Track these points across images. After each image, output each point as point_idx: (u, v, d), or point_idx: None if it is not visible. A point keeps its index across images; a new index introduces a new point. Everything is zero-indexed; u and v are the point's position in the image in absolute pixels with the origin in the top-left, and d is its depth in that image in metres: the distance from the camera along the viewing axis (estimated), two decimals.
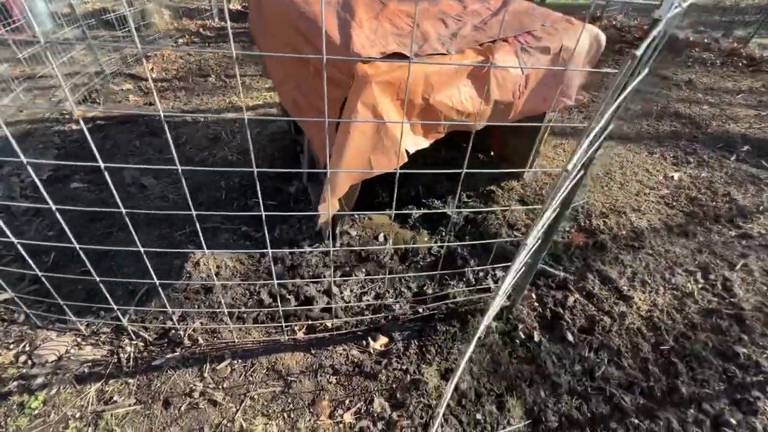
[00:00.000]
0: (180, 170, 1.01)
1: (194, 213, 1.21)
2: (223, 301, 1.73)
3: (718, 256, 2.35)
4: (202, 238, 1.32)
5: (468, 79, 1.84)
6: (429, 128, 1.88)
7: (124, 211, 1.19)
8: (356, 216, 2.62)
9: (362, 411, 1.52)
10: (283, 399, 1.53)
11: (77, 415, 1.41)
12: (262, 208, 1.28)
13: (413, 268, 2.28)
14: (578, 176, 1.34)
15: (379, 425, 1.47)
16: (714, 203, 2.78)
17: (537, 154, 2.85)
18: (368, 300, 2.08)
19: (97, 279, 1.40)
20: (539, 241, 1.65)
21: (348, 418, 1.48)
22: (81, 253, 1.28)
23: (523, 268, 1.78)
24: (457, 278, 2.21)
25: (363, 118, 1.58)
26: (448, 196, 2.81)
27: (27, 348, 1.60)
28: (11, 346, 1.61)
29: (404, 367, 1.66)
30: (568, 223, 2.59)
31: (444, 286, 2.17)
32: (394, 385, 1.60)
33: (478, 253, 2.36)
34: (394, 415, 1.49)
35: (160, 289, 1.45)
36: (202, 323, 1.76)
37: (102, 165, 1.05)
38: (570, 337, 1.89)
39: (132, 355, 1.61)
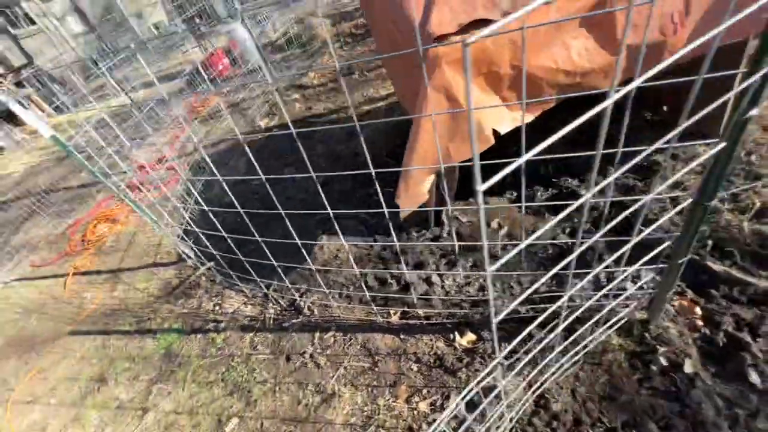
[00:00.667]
0: (314, 176, 1.23)
1: (329, 211, 1.44)
2: (338, 281, 2.01)
3: None
4: (336, 226, 1.55)
5: (582, 28, 1.43)
6: (531, 98, 1.58)
7: (283, 212, 1.53)
8: (471, 198, 2.48)
9: (437, 404, 1.51)
10: (370, 375, 1.69)
11: (238, 353, 1.98)
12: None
13: (532, 262, 2.01)
14: None
15: (452, 423, 1.43)
16: None
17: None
18: (469, 292, 1.98)
19: (243, 259, 1.89)
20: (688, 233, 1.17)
21: (423, 407, 1.51)
22: (261, 242, 1.76)
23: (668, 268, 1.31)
24: (583, 278, 1.81)
25: (435, 103, 1.48)
26: (588, 172, 2.28)
27: (219, 301, 2.33)
28: (213, 299, 2.37)
29: (488, 371, 1.53)
30: None
31: (563, 285, 1.82)
32: (473, 388, 1.51)
33: (617, 246, 1.85)
34: (468, 416, 1.42)
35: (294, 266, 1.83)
36: (318, 298, 2.10)
37: (263, 177, 1.38)
38: (755, 378, 1.28)
39: (272, 316, 2.11)
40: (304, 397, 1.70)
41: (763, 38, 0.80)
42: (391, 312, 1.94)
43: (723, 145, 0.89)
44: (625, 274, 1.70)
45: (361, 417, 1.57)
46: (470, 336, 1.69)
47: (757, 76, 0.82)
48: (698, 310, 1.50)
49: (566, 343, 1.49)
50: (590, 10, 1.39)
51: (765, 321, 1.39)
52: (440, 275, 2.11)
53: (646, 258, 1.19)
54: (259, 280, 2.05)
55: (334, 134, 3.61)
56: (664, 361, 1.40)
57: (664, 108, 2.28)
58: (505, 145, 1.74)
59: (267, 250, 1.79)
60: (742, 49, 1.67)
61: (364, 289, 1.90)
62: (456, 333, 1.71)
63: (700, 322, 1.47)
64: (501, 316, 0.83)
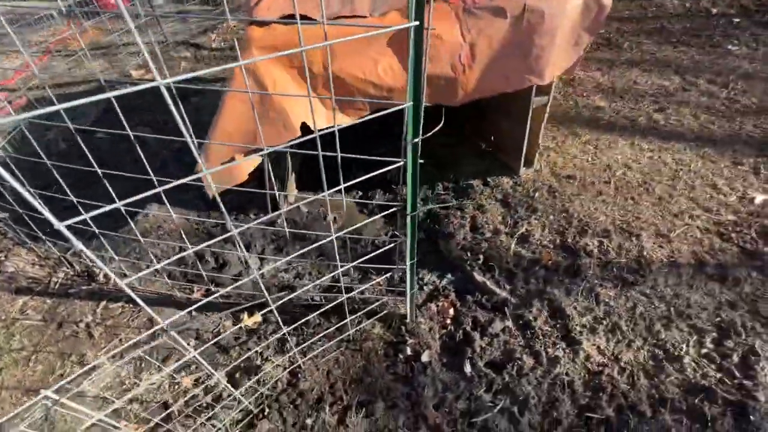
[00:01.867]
0: (130, 136, 1.10)
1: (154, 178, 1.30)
2: (150, 252, 1.90)
3: (761, 320, 1.63)
4: (164, 195, 1.44)
5: (388, 48, 1.57)
6: (346, 103, 1.69)
7: (100, 172, 1.34)
8: (315, 192, 2.56)
9: (201, 380, 1.53)
10: (148, 350, 1.63)
11: (2, 317, 1.75)
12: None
13: (353, 256, 2.14)
14: None
15: (203, 395, 1.46)
16: None
17: (535, 147, 2.33)
18: (285, 277, 2.04)
19: (57, 223, 1.66)
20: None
21: (186, 381, 1.51)
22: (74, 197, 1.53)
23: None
24: (383, 274, 2.00)
25: (240, 83, 1.49)
26: (425, 186, 2.52)
27: (2, 257, 2.03)
28: None
29: (258, 350, 1.60)
30: (548, 234, 2.08)
31: (366, 281, 1.99)
32: (241, 365, 1.57)
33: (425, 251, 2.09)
34: (224, 393, 1.46)
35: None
36: (120, 267, 1.96)
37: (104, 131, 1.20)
38: (468, 369, 1.56)
39: (60, 280, 1.90)
40: (61, 368, 1.57)
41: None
42: (195, 289, 1.90)
43: (402, 162, 1.05)
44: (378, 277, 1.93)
45: (118, 390, 1.50)
46: (256, 318, 1.74)
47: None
48: (452, 311, 1.77)
49: (332, 329, 1.63)
50: (394, 34, 1.54)
51: (492, 324, 1.70)
52: (261, 259, 2.14)
53: (374, 254, 1.36)
54: (46, 239, 1.83)
55: (209, 105, 3.40)
56: (408, 351, 1.62)
57: (491, 139, 2.63)
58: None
59: (83, 210, 1.61)
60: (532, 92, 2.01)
61: (175, 263, 1.83)
62: (245, 314, 1.75)
63: (448, 321, 1.74)
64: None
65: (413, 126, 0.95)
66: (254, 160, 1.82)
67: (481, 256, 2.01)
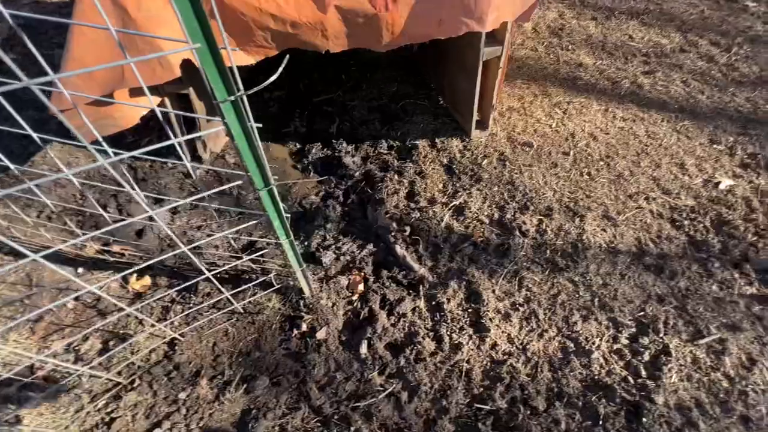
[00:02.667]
0: None
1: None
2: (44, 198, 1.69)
3: (685, 318, 1.52)
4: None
5: None
6: (246, 39, 1.38)
7: None
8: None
9: (72, 346, 1.42)
10: (16, 307, 1.51)
11: None
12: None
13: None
14: None
15: (72, 361, 1.36)
16: (755, 239, 1.75)
17: (489, 107, 2.06)
18: (195, 236, 1.87)
19: None
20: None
21: (57, 345, 1.41)
22: None
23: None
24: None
25: (89, 5, 1.18)
26: (367, 142, 2.27)
27: None
28: None
29: (136, 316, 1.48)
30: (486, 208, 1.90)
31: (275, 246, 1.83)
32: (118, 330, 1.46)
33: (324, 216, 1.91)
34: (96, 359, 1.37)
35: None
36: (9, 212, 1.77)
37: None
38: (365, 350, 1.47)
39: None
40: None
41: None
42: (88, 245, 1.73)
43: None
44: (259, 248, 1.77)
45: None
46: (146, 281, 1.61)
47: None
48: (361, 287, 1.64)
49: (218, 298, 1.50)
50: None
51: (401, 303, 1.58)
52: (173, 214, 1.95)
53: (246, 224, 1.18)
54: None
55: None
56: (304, 327, 1.51)
57: (446, 94, 2.33)
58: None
59: None
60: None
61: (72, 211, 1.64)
62: (134, 275, 1.61)
63: (355, 297, 1.61)
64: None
65: (219, 78, 0.71)
66: (144, 101, 1.55)
67: (409, 228, 1.84)
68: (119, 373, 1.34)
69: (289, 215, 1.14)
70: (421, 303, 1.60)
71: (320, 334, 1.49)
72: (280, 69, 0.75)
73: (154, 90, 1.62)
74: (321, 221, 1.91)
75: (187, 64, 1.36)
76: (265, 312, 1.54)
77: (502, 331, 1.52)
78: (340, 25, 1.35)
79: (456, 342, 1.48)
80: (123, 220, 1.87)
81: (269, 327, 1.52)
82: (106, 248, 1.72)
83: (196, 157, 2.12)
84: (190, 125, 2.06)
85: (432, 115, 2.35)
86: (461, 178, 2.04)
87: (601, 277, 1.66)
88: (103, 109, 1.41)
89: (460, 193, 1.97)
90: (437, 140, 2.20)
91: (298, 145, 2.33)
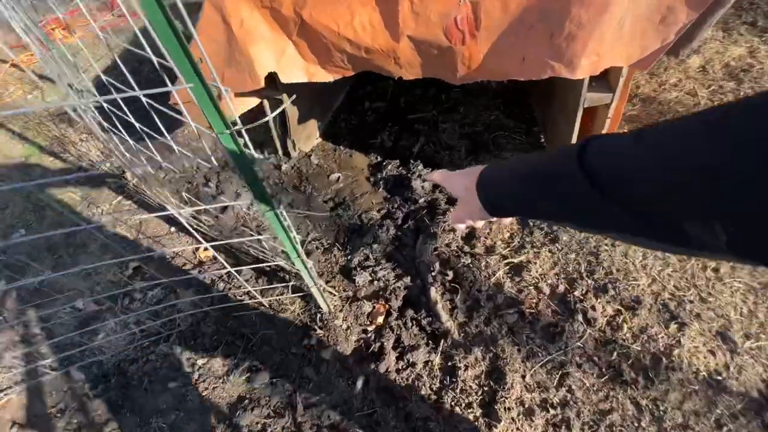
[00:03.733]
0: None
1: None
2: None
3: None
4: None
5: None
6: (326, 59, 1.46)
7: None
8: (338, 147, 2.44)
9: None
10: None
11: None
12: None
13: (339, 224, 2.06)
14: None
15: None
16: None
17: None
18: (259, 221, 2.09)
19: None
20: None
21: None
22: None
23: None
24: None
25: (207, 19, 1.39)
26: (446, 168, 2.15)
27: None
28: None
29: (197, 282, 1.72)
30: (552, 274, 1.60)
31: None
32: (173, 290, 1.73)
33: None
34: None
35: None
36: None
37: None
38: (359, 387, 1.41)
39: None
40: None
41: None
42: (184, 211, 2.10)
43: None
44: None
45: None
46: (209, 253, 1.86)
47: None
48: (380, 319, 1.58)
49: (254, 287, 1.63)
50: None
51: (415, 351, 1.47)
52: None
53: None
54: None
55: None
56: (314, 340, 1.54)
57: (545, 130, 2.03)
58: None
59: None
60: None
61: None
62: (202, 247, 1.88)
63: (372, 327, 1.56)
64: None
65: (215, 113, 0.75)
66: (246, 102, 1.78)
67: (452, 273, 1.68)
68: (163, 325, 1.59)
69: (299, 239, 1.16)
70: (437, 359, 1.46)
71: (325, 354, 1.50)
72: (277, 111, 0.76)
73: (257, 93, 1.84)
74: (370, 239, 1.91)
75: (273, 78, 1.50)
76: (286, 313, 1.62)
77: (516, 428, 1.27)
78: (413, 54, 1.29)
79: (459, 418, 1.31)
80: (219, 194, 2.21)
81: (286, 328, 1.60)
82: (195, 217, 2.05)
83: (286, 153, 2.34)
84: (285, 125, 2.28)
85: (523, 147, 2.09)
86: (534, 232, 1.77)
87: (682, 414, 1.24)
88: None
89: (526, 250, 1.71)
90: None
91: (379, 158, 2.36)
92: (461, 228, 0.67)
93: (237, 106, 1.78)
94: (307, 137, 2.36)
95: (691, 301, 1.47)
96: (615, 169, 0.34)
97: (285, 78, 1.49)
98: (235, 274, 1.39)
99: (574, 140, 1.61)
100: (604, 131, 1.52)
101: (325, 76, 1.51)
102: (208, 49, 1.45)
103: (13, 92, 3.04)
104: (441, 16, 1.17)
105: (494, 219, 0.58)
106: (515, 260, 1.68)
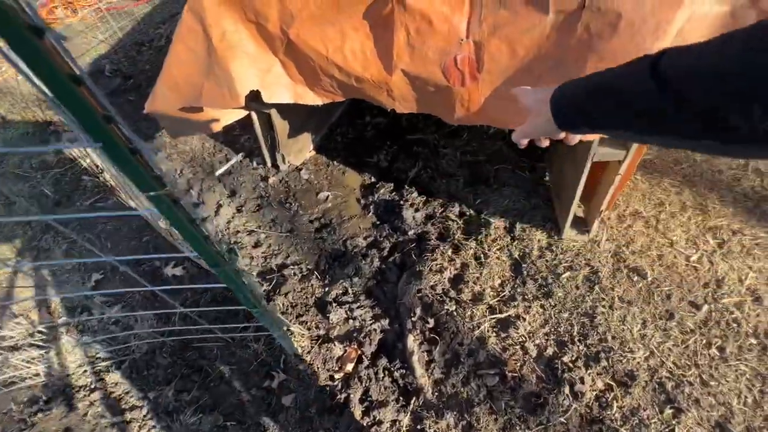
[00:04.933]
0: None
1: None
2: None
3: None
4: None
5: (366, 21, 1.11)
6: (314, 81, 1.33)
7: None
8: (332, 162, 2.30)
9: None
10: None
11: None
12: None
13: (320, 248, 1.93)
14: None
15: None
16: None
17: (596, 210, 1.58)
18: (244, 240, 1.97)
19: None
20: None
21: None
22: None
23: None
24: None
25: (186, 26, 1.26)
26: (441, 198, 2.02)
27: None
28: None
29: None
30: (543, 336, 1.47)
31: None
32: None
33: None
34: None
35: None
36: None
37: None
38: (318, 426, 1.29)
39: None
40: None
41: None
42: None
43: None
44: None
45: None
46: (178, 271, 1.74)
47: None
48: (350, 367, 1.46)
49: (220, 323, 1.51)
50: (373, 2, 1.06)
51: (383, 408, 1.34)
52: (238, 210, 2.09)
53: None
54: None
55: None
56: (275, 383, 1.42)
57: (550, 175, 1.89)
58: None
59: None
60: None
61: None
62: (172, 263, 1.76)
63: (339, 375, 1.44)
64: None
65: (137, 174, 0.62)
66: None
67: (433, 321, 1.56)
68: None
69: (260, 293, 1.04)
70: (405, 419, 1.33)
71: (287, 400, 1.38)
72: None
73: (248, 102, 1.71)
74: (352, 270, 1.78)
75: (256, 96, 1.37)
76: (249, 350, 1.50)
77: None
78: (407, 88, 1.16)
79: None
80: (199, 204, 2.09)
81: (248, 365, 1.48)
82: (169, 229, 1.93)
83: (275, 165, 2.22)
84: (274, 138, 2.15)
85: (526, 192, 1.95)
86: (527, 283, 1.63)
87: None
88: (190, 116, 1.55)
89: (516, 302, 1.58)
90: (518, 225, 1.81)
91: (373, 179, 2.22)
92: (524, 143, 0.72)
93: (221, 117, 1.66)
94: (299, 150, 2.23)
95: (690, 383, 1.33)
96: (684, 68, 0.41)
97: (269, 97, 1.36)
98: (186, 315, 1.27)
99: (579, 191, 1.47)
100: (612, 187, 1.39)
101: (313, 99, 1.38)
102: (185, 58, 1.32)
103: (5, 71, 2.93)
104: (439, 53, 1.03)
105: (559, 136, 0.65)
106: (503, 314, 1.55)
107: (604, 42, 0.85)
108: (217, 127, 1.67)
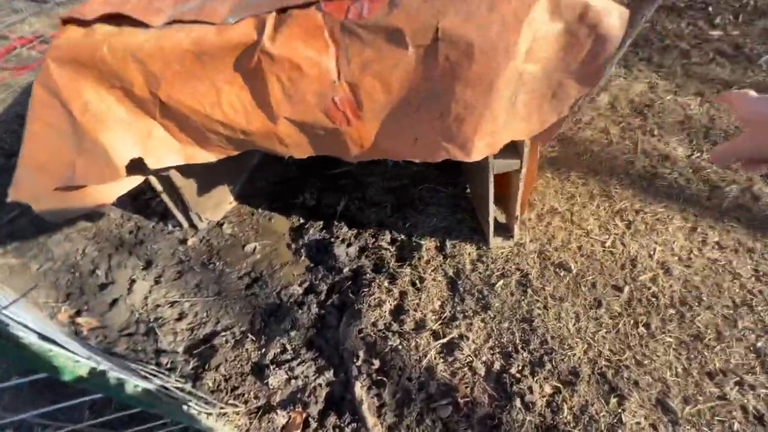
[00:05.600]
0: None
1: None
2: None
3: None
4: None
5: (237, 73, 1.06)
6: (201, 139, 1.25)
7: None
8: (256, 210, 2.20)
9: None
10: None
11: None
12: None
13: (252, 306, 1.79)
14: None
15: None
16: None
17: (513, 215, 1.63)
18: (165, 314, 1.78)
19: None
20: None
21: None
22: None
23: None
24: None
25: (41, 103, 1.14)
26: (372, 229, 1.99)
27: None
28: None
29: None
30: (488, 352, 1.46)
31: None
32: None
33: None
34: None
35: None
36: None
37: None
38: None
39: None
40: None
41: None
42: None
43: None
44: None
45: None
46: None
47: None
48: None
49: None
50: (242, 54, 1.02)
51: None
52: (156, 282, 1.90)
53: None
54: None
55: None
56: None
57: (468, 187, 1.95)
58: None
59: None
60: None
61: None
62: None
63: None
64: None
65: None
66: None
67: (378, 361, 1.49)
68: None
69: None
70: None
71: None
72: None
73: (138, 169, 1.58)
74: (289, 324, 1.67)
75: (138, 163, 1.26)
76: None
77: None
78: (298, 135, 1.13)
79: None
80: (108, 284, 1.86)
81: None
82: (74, 318, 1.70)
83: (193, 225, 2.07)
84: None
85: (451, 208, 1.99)
86: (465, 299, 1.63)
87: None
88: (70, 194, 1.38)
89: (458, 322, 1.56)
90: (448, 242, 1.83)
91: (302, 221, 2.15)
92: (727, 163, 0.59)
93: (112, 189, 1.50)
94: (216, 205, 2.10)
95: (627, 367, 1.38)
96: None
97: (155, 163, 1.26)
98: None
99: (491, 202, 1.52)
100: (519, 193, 1.44)
101: (206, 157, 1.30)
102: (46, 135, 1.19)
103: None
104: (318, 97, 1.01)
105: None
106: (447, 337, 1.52)
107: (466, 69, 0.89)
108: (108, 200, 1.51)
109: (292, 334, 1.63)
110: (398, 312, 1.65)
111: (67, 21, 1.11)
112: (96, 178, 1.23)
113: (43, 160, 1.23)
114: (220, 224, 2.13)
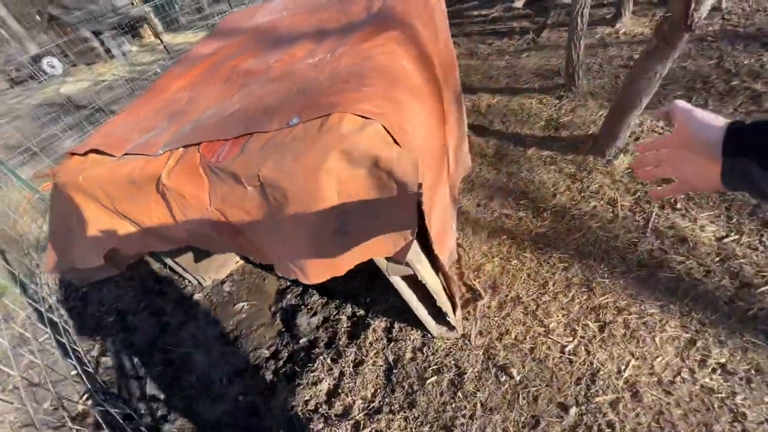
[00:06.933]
0: None
1: None
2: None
3: None
4: None
5: (158, 195, 1.33)
6: (152, 235, 1.55)
7: None
8: (255, 270, 2.49)
9: None
10: None
11: None
12: None
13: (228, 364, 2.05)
14: None
15: None
16: None
17: (446, 306, 1.55)
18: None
19: None
20: None
21: None
22: None
23: None
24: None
25: (53, 205, 1.58)
26: (339, 299, 2.09)
27: None
28: None
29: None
30: None
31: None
32: None
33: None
34: None
35: None
36: None
37: None
38: None
39: None
40: None
41: None
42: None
43: None
44: None
45: None
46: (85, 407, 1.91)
47: None
48: None
49: None
50: (152, 179, 1.28)
51: None
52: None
53: None
54: None
55: None
56: None
57: None
58: None
59: None
60: None
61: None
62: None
63: None
64: None
65: None
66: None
67: None
68: None
69: None
70: None
71: None
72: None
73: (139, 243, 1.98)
74: (242, 387, 1.85)
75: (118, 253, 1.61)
76: None
77: None
78: (204, 240, 1.33)
79: None
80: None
81: None
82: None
83: (200, 283, 2.44)
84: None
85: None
86: (395, 391, 1.59)
87: None
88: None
89: (381, 416, 1.53)
90: (397, 325, 1.81)
91: (288, 283, 2.35)
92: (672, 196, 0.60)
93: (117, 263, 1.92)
94: (221, 265, 2.45)
95: None
96: None
97: (127, 251, 1.60)
98: None
99: (414, 303, 1.48)
100: (436, 294, 1.39)
101: (159, 247, 1.58)
102: (59, 226, 1.62)
103: None
104: (201, 217, 1.20)
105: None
106: (366, 430, 1.50)
107: (289, 205, 0.97)
108: (117, 270, 1.93)
109: (246, 398, 1.80)
110: (333, 393, 1.69)
111: (71, 153, 1.56)
112: (83, 263, 1.63)
113: (58, 243, 1.71)
114: (222, 282, 2.47)
